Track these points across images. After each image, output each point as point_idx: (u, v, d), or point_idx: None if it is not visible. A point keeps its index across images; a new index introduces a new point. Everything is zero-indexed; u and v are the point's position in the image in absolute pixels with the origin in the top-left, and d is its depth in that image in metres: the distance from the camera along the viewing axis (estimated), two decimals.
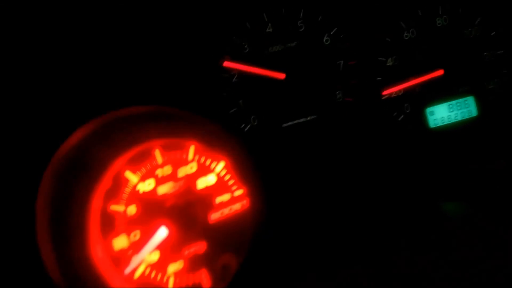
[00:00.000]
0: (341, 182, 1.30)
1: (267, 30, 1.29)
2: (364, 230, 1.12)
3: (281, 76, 1.28)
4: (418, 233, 1.09)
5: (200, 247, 0.85)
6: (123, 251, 0.80)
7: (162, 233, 0.81)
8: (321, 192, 1.27)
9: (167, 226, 0.81)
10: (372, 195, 1.26)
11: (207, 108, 1.26)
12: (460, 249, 1.00)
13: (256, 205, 0.82)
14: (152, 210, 0.82)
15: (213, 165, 0.86)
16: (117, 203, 0.80)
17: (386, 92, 1.32)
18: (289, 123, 1.32)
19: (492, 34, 1.34)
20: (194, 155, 0.85)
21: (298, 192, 1.27)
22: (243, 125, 1.30)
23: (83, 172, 0.74)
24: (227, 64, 1.25)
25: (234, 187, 0.87)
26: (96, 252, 0.75)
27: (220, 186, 0.87)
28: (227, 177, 0.87)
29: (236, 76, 1.28)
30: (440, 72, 1.31)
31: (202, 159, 0.86)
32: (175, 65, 1.24)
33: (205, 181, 0.86)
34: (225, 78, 1.27)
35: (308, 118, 1.32)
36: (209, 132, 0.83)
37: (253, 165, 0.84)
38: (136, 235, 0.82)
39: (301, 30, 1.30)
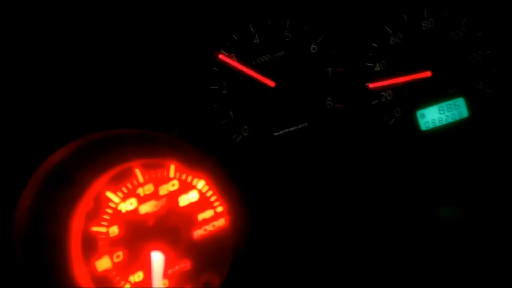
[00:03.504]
0: (336, 188, 1.29)
1: (254, 41, 1.30)
2: (360, 237, 1.11)
3: (271, 83, 1.29)
4: (413, 238, 1.08)
5: (184, 265, 0.85)
6: (106, 272, 0.81)
7: (156, 258, 0.80)
8: (316, 199, 1.27)
9: (157, 248, 0.81)
10: (367, 200, 1.25)
11: (199, 121, 1.27)
12: (454, 253, 0.99)
13: (236, 223, 0.82)
14: (135, 230, 0.82)
15: (194, 181, 0.86)
16: (98, 224, 0.80)
17: (372, 86, 1.31)
18: (281, 132, 1.32)
19: (479, 34, 1.33)
20: (175, 173, 0.85)
21: (292, 200, 1.27)
22: (235, 135, 1.30)
23: (63, 193, 0.74)
24: (222, 57, 1.26)
25: (216, 203, 0.87)
26: (78, 274, 0.75)
27: (203, 202, 0.87)
28: (209, 193, 0.87)
29: (225, 87, 1.29)
30: (428, 73, 1.31)
31: (184, 176, 0.86)
32: (165, 79, 1.25)
33: (188, 198, 0.85)
34: (215, 90, 1.28)
35: (299, 126, 1.33)
36: (186, 154, 0.83)
37: (231, 183, 0.84)
38: (119, 256, 0.82)
39: (288, 39, 1.31)
